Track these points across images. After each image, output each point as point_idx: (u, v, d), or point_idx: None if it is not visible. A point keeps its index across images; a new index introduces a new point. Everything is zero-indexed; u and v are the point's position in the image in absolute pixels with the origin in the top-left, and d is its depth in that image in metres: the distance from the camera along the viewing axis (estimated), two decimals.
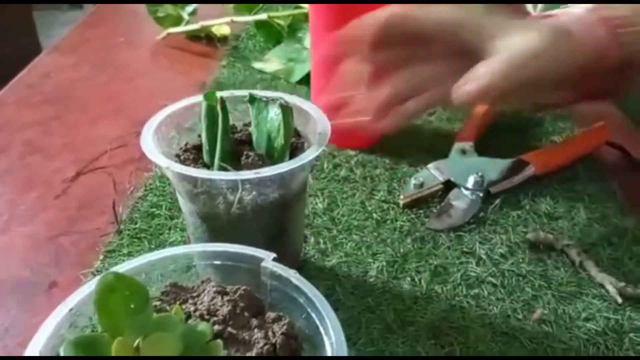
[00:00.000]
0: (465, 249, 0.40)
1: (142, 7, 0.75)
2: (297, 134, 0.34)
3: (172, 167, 0.28)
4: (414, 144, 0.52)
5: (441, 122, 0.56)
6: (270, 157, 0.32)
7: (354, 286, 0.37)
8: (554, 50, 0.34)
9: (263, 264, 0.23)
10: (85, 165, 0.50)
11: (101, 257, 0.38)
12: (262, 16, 0.64)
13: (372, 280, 0.38)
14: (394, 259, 0.40)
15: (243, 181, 0.28)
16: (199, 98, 0.35)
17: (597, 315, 0.35)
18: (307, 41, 0.63)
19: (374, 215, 0.43)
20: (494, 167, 0.46)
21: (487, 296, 0.37)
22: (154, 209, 0.42)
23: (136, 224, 0.41)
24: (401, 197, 0.45)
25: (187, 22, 0.72)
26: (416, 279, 0.38)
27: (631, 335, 0.34)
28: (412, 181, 0.46)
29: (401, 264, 0.39)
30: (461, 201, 0.44)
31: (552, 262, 0.39)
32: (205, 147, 0.33)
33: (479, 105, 0.54)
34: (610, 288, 0.36)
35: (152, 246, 0.39)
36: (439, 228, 0.42)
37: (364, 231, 0.42)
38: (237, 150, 0.33)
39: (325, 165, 0.49)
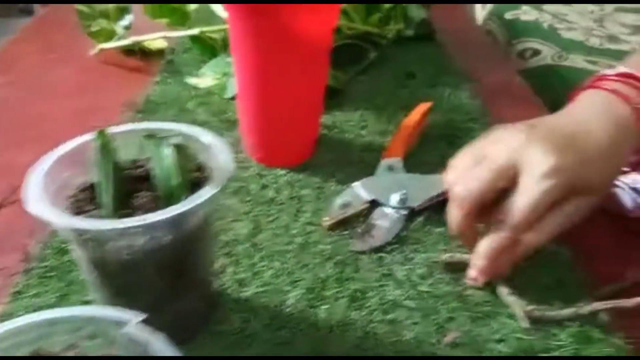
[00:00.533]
0: (385, 271, 0.40)
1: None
2: (200, 169, 0.33)
3: (43, 215, 0.27)
4: (344, 160, 0.52)
5: (373, 136, 0.55)
6: (168, 196, 0.31)
7: (270, 317, 0.37)
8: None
9: (125, 329, 0.22)
10: (4, 197, 0.48)
11: (8, 299, 0.37)
12: (195, 31, 0.63)
13: (289, 310, 0.37)
14: (313, 286, 0.39)
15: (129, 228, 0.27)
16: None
17: (510, 336, 0.36)
18: None
19: (297, 239, 0.43)
20: (419, 183, 0.46)
21: (403, 320, 0.37)
22: (64, 245, 0.41)
23: (47, 261, 0.40)
24: (325, 218, 0.44)
25: (121, 37, 0.70)
26: (334, 306, 0.38)
27: (540, 356, 0.34)
28: (337, 201, 0.45)
29: (320, 290, 0.39)
30: (384, 220, 0.44)
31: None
32: (98, 188, 0.31)
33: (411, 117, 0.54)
34: (518, 312, 0.36)
35: (62, 284, 0.38)
36: (361, 250, 0.42)
37: (286, 256, 0.41)
38: (135, 188, 0.32)
39: (251, 187, 0.48)
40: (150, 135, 0.30)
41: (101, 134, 0.29)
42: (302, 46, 0.45)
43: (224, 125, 0.57)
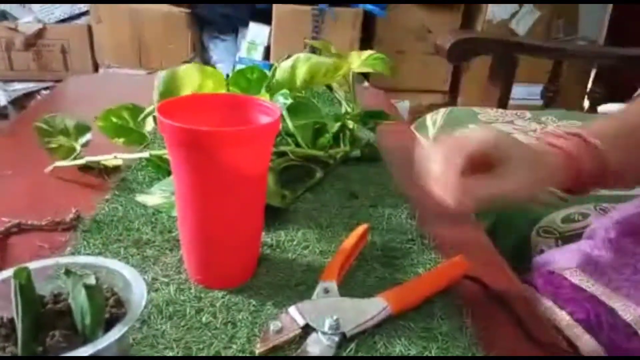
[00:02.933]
0: None
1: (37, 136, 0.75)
2: (119, 304, 0.34)
3: None
4: (284, 281, 0.53)
5: (314, 256, 0.57)
6: (83, 334, 0.31)
7: None
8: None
9: None
10: None
11: None
12: (145, 154, 0.66)
13: None
14: None
15: None
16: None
17: None
18: None
19: None
20: (352, 308, 0.47)
21: None
22: None
23: None
24: (258, 345, 0.44)
25: (79, 154, 0.73)
26: None
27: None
28: (271, 327, 0.45)
29: None
30: (316, 347, 0.44)
31: None
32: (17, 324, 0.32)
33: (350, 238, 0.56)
34: None
35: None
36: None
37: None
38: (54, 324, 0.32)
39: (187, 311, 0.48)
40: (68, 272, 0.31)
41: (19, 272, 0.30)
42: (238, 176, 0.47)
43: (169, 244, 0.57)
